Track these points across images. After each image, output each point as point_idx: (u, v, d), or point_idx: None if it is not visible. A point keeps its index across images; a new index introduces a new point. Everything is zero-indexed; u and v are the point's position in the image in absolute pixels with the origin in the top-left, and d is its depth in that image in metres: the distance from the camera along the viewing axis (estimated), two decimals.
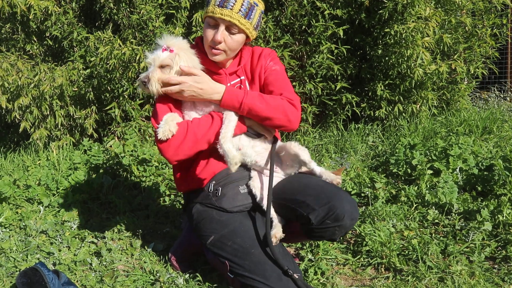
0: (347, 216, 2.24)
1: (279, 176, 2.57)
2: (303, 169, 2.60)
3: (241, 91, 2.37)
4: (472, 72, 5.12)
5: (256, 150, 2.46)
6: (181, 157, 2.32)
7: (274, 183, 2.48)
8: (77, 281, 2.71)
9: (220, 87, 2.35)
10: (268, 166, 2.46)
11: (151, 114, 2.45)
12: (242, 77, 2.57)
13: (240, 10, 2.29)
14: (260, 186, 2.44)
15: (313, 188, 2.36)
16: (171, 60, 2.29)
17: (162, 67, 2.29)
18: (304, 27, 4.88)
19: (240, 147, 2.40)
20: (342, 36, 4.71)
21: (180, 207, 3.77)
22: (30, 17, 4.98)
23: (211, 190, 2.49)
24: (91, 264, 2.88)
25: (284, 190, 2.45)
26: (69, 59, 5.23)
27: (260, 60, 2.54)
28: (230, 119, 2.32)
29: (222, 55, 2.42)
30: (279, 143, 2.56)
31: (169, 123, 2.27)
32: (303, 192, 2.35)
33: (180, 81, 2.29)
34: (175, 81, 2.29)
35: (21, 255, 3.03)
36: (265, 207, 2.39)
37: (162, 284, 2.58)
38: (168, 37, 2.33)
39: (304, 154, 2.48)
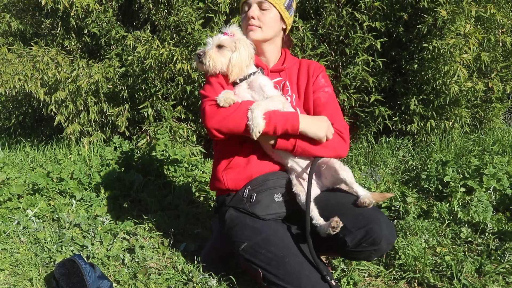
0: (384, 241, 2.19)
1: (315, 186, 2.53)
2: (343, 186, 2.51)
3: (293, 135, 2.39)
4: (508, 91, 5.05)
5: None
6: (222, 130, 2.31)
7: (313, 193, 2.45)
8: (110, 275, 2.74)
9: None
10: (307, 171, 2.45)
11: (202, 88, 2.53)
12: (286, 81, 2.59)
13: None
14: (304, 191, 2.41)
15: (350, 208, 2.31)
16: (231, 43, 2.39)
17: (219, 46, 2.39)
18: (341, 37, 4.88)
19: None
20: (379, 49, 4.71)
21: (210, 209, 3.80)
22: (71, 14, 5.08)
23: (245, 195, 2.48)
24: (123, 260, 2.91)
25: (321, 206, 2.38)
26: (106, 56, 5.32)
27: (309, 72, 2.60)
28: (273, 101, 2.36)
29: (259, 32, 2.51)
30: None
31: (230, 93, 2.34)
32: (340, 212, 2.28)
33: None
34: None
35: (55, 246, 3.08)
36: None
37: (195, 284, 2.59)
38: (233, 26, 2.45)
39: (344, 173, 2.39)
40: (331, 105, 2.57)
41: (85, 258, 2.86)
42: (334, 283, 2.23)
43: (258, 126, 2.24)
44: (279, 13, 2.51)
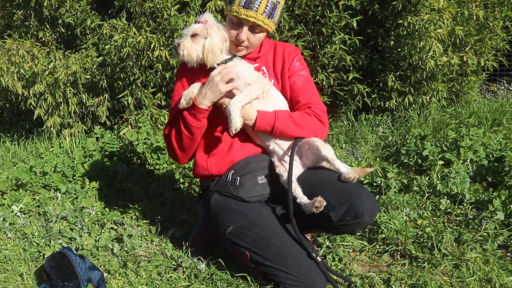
0: (367, 214, 2.27)
1: (298, 166, 2.60)
2: (324, 164, 2.58)
3: (272, 114, 2.44)
4: (482, 64, 5.14)
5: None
6: (176, 159, 2.68)
7: (295, 173, 2.51)
8: (101, 265, 2.78)
9: (253, 113, 2.42)
10: (289, 153, 2.49)
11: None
12: (263, 67, 2.62)
13: (264, 11, 2.33)
14: (287, 171, 2.45)
15: (332, 184, 2.37)
16: (203, 30, 2.42)
17: (193, 36, 2.43)
18: (317, 17, 4.90)
19: None
20: (355, 27, 4.74)
21: (195, 195, 3.84)
22: (44, 4, 4.99)
23: (229, 179, 2.53)
24: (112, 249, 2.95)
25: (304, 185, 2.44)
26: (82, 46, 5.26)
27: (284, 56, 2.60)
28: (250, 93, 2.40)
29: (244, 51, 2.52)
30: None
31: (190, 91, 2.46)
32: (322, 188, 2.35)
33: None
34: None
35: (43, 240, 3.09)
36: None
37: (184, 269, 2.65)
38: (206, 14, 2.48)
39: (325, 150, 2.45)
40: (308, 88, 2.59)
41: (74, 250, 2.90)
42: (319, 260, 2.31)
43: (236, 123, 2.31)
44: (268, 31, 2.46)
